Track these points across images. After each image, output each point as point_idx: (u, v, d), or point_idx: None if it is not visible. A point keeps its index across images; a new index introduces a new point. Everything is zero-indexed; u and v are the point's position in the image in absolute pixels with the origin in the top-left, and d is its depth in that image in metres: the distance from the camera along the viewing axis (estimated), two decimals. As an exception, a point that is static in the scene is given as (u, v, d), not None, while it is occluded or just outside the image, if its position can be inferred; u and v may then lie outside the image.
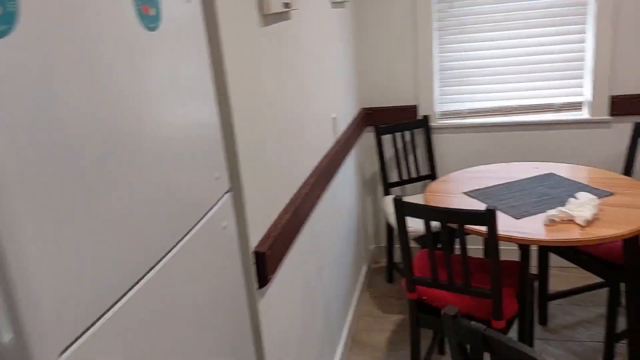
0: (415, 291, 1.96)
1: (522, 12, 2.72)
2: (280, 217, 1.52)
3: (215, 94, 1.17)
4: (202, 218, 1.05)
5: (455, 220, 1.73)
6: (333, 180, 2.24)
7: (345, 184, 2.54)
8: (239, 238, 1.28)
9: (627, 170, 2.50)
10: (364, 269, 2.98)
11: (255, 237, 1.34)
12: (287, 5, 1.64)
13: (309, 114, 1.90)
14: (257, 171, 1.36)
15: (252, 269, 1.31)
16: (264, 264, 1.33)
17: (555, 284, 2.83)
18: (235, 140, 1.23)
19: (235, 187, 1.25)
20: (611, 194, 2.03)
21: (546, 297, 2.54)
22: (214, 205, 1.11)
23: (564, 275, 2.92)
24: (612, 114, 2.71)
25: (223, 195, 1.17)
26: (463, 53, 2.84)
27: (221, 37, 1.17)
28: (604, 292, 2.71)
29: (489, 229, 1.69)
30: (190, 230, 1.00)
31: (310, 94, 1.92)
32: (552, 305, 2.66)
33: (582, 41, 2.70)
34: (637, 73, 2.65)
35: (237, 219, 1.27)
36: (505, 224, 1.86)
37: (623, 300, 2.50)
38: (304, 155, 1.81)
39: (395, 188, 2.96)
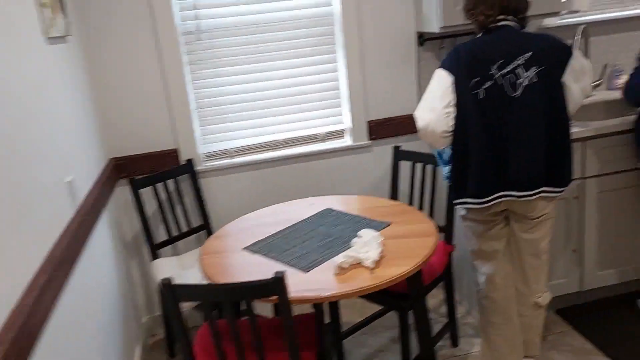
0: (204, 385, 1.60)
1: (275, 43, 2.60)
2: (-15, 360, 1.01)
3: None
4: None
5: (240, 297, 1.44)
6: (79, 261, 1.74)
7: (99, 258, 2.04)
8: None
9: (394, 193, 2.56)
10: (138, 350, 2.47)
11: None
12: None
13: (28, 189, 1.39)
14: None
15: None
16: None
17: (344, 314, 2.77)
18: None
19: None
20: (389, 224, 2.00)
21: (340, 336, 2.43)
22: None
23: (349, 303, 2.88)
24: (371, 138, 2.78)
25: None
26: (221, 88, 2.59)
27: None
28: (392, 314, 2.74)
29: (280, 298, 1.44)
30: None
31: (27, 161, 1.42)
32: (346, 340, 2.58)
33: (336, 70, 2.71)
34: (386, 98, 2.76)
35: None
36: (295, 281, 1.64)
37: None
38: (23, 250, 1.30)
39: (166, 248, 2.54)
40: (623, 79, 2.79)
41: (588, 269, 2.55)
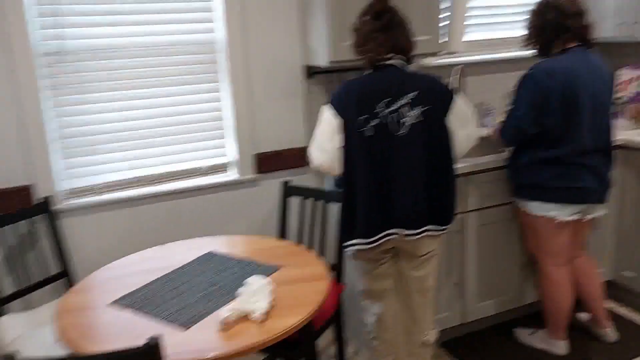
0: None
1: (152, 69, 2.37)
2: None
3: None
4: None
5: (103, 371, 1.19)
6: None
7: None
8: None
9: (283, 232, 2.43)
10: None
11: None
12: None
13: None
14: None
15: None
16: None
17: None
18: None
19: None
20: (278, 268, 1.86)
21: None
22: None
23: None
24: (259, 172, 2.63)
25: None
26: (89, 116, 2.29)
27: None
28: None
29: (154, 368, 1.22)
30: None
31: None
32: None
33: (219, 100, 2.54)
34: (275, 131, 2.64)
35: None
36: (173, 342, 1.43)
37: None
38: None
39: (14, 302, 2.14)
40: (492, 117, 2.97)
41: (469, 301, 2.61)
